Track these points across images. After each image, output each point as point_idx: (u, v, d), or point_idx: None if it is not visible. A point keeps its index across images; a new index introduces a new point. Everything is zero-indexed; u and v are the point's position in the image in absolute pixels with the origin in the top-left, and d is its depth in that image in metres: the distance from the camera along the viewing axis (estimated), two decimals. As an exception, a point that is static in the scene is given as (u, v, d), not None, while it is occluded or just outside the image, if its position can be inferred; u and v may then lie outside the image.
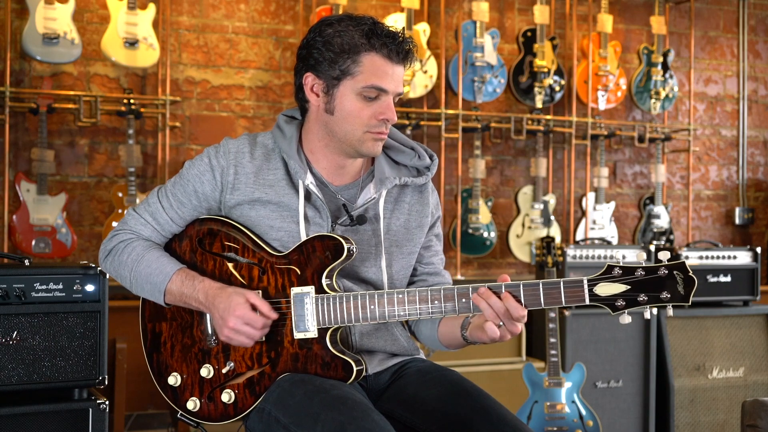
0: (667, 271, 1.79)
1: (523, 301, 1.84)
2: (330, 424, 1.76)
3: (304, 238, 2.01)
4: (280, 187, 2.04)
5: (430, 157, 2.18)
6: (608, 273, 1.81)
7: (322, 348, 1.95)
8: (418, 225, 2.15)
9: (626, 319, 1.82)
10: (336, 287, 1.98)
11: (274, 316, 1.96)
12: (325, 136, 2.06)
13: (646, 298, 1.79)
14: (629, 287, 1.80)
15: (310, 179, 2.04)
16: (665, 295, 1.79)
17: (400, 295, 1.91)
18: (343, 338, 2.03)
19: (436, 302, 1.90)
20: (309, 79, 2.03)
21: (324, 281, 1.95)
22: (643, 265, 1.80)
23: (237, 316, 1.92)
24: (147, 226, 2.10)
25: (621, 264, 1.81)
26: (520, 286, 1.85)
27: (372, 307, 1.92)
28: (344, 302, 1.93)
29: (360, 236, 2.06)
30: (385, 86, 1.98)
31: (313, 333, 1.94)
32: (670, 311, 1.84)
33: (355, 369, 1.93)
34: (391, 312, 1.92)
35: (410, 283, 2.20)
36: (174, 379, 2.08)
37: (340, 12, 4.64)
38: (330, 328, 1.94)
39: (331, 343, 1.95)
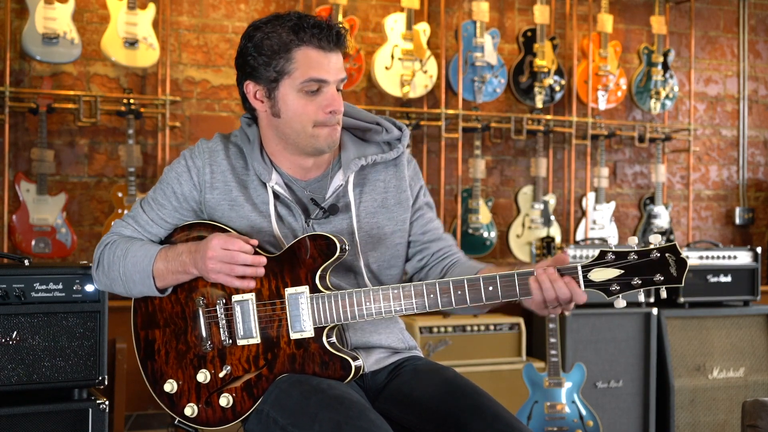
0: (659, 254, 1.80)
1: (517, 291, 1.85)
2: (327, 423, 1.76)
3: (280, 238, 2.02)
4: (253, 188, 2.06)
5: (399, 129, 2.15)
6: (602, 258, 1.83)
7: (320, 347, 1.94)
8: (396, 201, 2.12)
9: (621, 303, 1.84)
10: (330, 286, 1.98)
11: (253, 242, 1.96)
12: (280, 140, 2.05)
13: (640, 282, 1.81)
14: (623, 272, 1.81)
15: (275, 179, 2.04)
16: (658, 277, 1.80)
17: (395, 291, 1.91)
18: (338, 336, 2.02)
19: (431, 296, 1.90)
20: (250, 87, 2.03)
21: (318, 280, 1.95)
22: (636, 249, 1.81)
23: (212, 245, 1.92)
24: (128, 228, 2.12)
25: (614, 249, 1.83)
26: (515, 276, 1.85)
27: (368, 303, 1.92)
28: (339, 300, 1.93)
29: (333, 226, 2.06)
30: (323, 77, 1.97)
31: (309, 332, 1.94)
32: (663, 293, 1.85)
33: (353, 366, 1.93)
34: (386, 308, 1.92)
35: (413, 256, 2.18)
36: (170, 386, 2.07)
37: (341, 12, 4.64)
38: (326, 326, 1.94)
39: (327, 341, 1.95)
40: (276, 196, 2.06)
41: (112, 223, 2.18)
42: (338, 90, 2.02)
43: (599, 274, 1.82)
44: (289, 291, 1.96)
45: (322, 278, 1.96)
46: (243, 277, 1.96)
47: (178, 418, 2.08)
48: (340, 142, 2.11)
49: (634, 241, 1.83)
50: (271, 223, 2.03)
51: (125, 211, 4.39)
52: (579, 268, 1.82)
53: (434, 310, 1.94)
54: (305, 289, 1.95)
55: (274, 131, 2.05)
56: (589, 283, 1.82)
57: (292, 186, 2.08)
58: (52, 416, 2.43)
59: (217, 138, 2.12)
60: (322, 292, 1.95)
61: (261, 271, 1.96)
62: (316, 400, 1.83)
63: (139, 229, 2.11)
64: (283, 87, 1.98)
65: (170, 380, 2.07)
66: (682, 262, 1.80)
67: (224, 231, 2.05)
